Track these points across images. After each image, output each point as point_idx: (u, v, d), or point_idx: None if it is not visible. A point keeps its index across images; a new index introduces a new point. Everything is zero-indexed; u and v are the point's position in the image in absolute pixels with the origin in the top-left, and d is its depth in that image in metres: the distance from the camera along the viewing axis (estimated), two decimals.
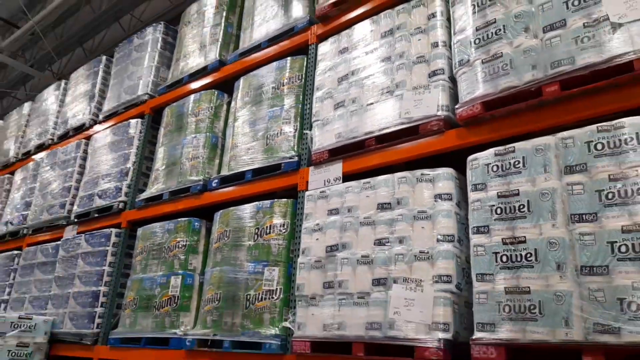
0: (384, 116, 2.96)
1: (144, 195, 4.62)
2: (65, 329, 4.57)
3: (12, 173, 7.10)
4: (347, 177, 3.09)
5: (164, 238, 4.13)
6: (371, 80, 3.14)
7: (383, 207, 2.70)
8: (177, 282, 3.82)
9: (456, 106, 2.65)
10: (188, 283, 3.81)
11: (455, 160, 2.64)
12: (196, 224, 4.03)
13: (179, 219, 4.10)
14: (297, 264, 3.03)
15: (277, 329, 2.95)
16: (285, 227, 3.31)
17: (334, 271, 2.80)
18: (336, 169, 3.18)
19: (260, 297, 3.15)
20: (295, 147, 3.55)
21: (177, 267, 3.92)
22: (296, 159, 3.46)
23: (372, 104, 3.06)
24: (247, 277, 3.29)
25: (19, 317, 4.52)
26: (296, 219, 3.29)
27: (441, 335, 2.24)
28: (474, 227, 2.32)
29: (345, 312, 2.62)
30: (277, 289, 3.12)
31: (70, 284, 4.77)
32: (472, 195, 2.39)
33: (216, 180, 3.98)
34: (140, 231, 4.46)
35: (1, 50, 8.66)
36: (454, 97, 2.77)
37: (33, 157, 6.78)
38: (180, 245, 3.98)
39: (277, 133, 3.70)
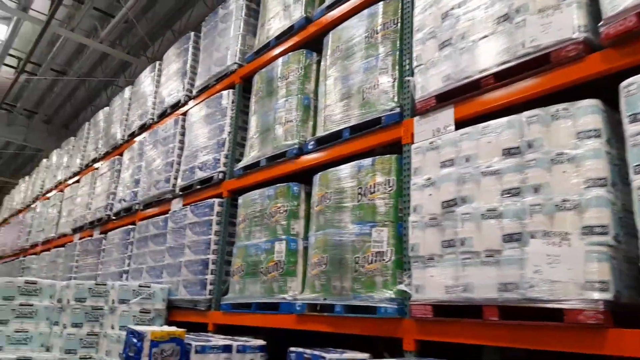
0: (503, 49, 2.54)
1: (241, 164, 4.63)
2: (180, 296, 4.81)
3: (121, 154, 7.62)
4: (459, 125, 2.75)
5: (264, 204, 4.10)
6: (482, 10, 2.72)
7: (510, 152, 2.34)
8: (282, 247, 3.77)
9: (599, 24, 2.17)
10: (292, 248, 3.75)
11: (594, 92, 2.19)
12: (295, 188, 3.93)
13: (278, 185, 4.03)
14: (409, 222, 2.78)
15: (391, 292, 2.76)
16: (390, 184, 3.07)
17: (453, 228, 2.51)
18: (446, 115, 2.84)
19: (369, 259, 2.97)
20: (396, 97, 3.25)
21: (279, 232, 3.87)
22: (397, 110, 3.17)
23: (485, 37, 2.65)
24: (353, 240, 3.12)
25: (139, 286, 4.83)
26: (402, 176, 3.02)
27: (598, 295, 1.88)
28: (636, 165, 1.89)
29: (471, 273, 2.34)
30: (387, 250, 2.91)
31: (181, 254, 4.99)
32: (630, 128, 1.95)
33: (312, 143, 3.83)
34: (241, 199, 4.49)
35: (101, 41, 9.24)
36: (594, 14, 2.28)
37: (137, 137, 7.19)
38: (281, 211, 3.92)
39: (374, 85, 3.42)
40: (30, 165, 15.56)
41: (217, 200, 4.77)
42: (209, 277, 4.50)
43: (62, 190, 10.07)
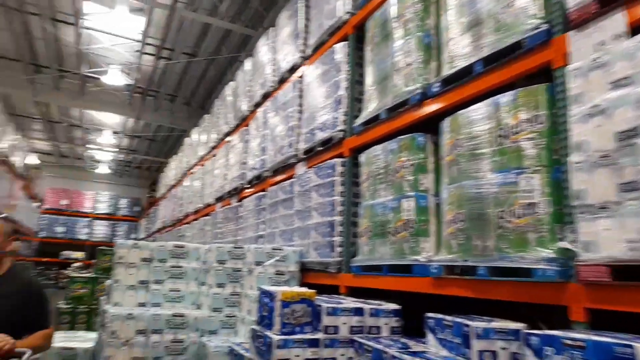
0: None
1: (359, 120, 4.34)
2: (311, 258, 4.80)
3: (248, 125, 7.89)
4: (634, 31, 2.07)
5: (387, 160, 3.78)
6: None
7: None
8: (410, 205, 3.44)
9: None
10: (422, 205, 3.39)
11: None
12: (420, 139, 3.53)
13: (401, 137, 3.66)
14: (570, 164, 2.22)
15: (550, 251, 2.26)
16: (539, 121, 2.50)
17: (634, 166, 1.91)
18: (614, 22, 2.17)
19: (517, 213, 2.48)
20: (539, 12, 2.61)
21: (406, 189, 3.52)
22: (544, 27, 2.54)
23: None
24: (495, 191, 2.65)
25: (272, 249, 4.94)
26: (556, 108, 2.43)
27: None
28: None
29: None
30: (540, 201, 2.39)
31: (309, 216, 4.96)
32: None
33: (437, 84, 3.36)
34: (362, 157, 4.23)
35: (222, 18, 9.60)
36: None
37: (260, 107, 7.34)
38: (406, 166, 3.56)
39: (508, 4, 2.81)
40: (178, 146, 17.35)
41: (338, 160, 4.58)
42: (337, 239, 4.39)
43: (203, 165, 10.97)
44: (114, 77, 12.99)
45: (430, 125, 3.52)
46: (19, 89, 13.88)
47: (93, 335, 6.23)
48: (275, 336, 2.83)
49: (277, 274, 4.85)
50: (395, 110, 3.81)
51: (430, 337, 2.64)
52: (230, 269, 5.10)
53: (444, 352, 2.46)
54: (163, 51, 10.86)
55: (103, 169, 24.83)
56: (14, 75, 13.44)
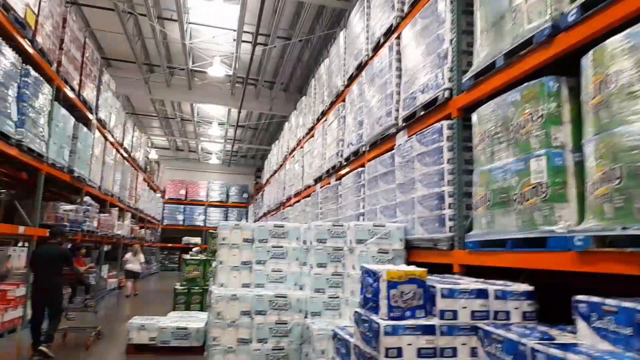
0: None
1: (469, 73, 3.73)
2: (418, 235, 4.32)
3: (344, 100, 7.54)
4: None
5: (508, 115, 3.15)
6: None
7: None
8: (540, 165, 2.80)
9: None
10: (556, 165, 2.73)
11: None
12: (551, 83, 2.84)
13: (525, 84, 3.01)
14: None
15: None
16: None
17: None
18: None
19: None
20: None
21: (535, 146, 2.88)
22: None
23: None
24: None
25: (374, 225, 4.55)
26: None
27: None
28: None
29: None
30: None
31: (413, 189, 4.47)
32: None
33: (574, 11, 2.65)
34: (475, 116, 3.62)
35: None
36: None
37: (355, 79, 6.94)
38: (533, 118, 2.91)
39: None
40: (278, 132, 17.70)
41: (445, 123, 4.02)
42: (447, 211, 3.85)
43: (302, 147, 10.92)
44: (217, 69, 13.50)
45: (563, 67, 2.83)
46: (136, 89, 15.11)
47: (205, 315, 6.43)
48: (382, 321, 2.45)
49: (380, 252, 4.45)
50: (515, 54, 3.15)
51: (582, 325, 2.05)
52: (330, 248, 4.83)
53: (606, 346, 1.87)
54: (259, 37, 10.94)
55: (213, 160, 26.45)
56: (131, 76, 14.64)
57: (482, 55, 3.61)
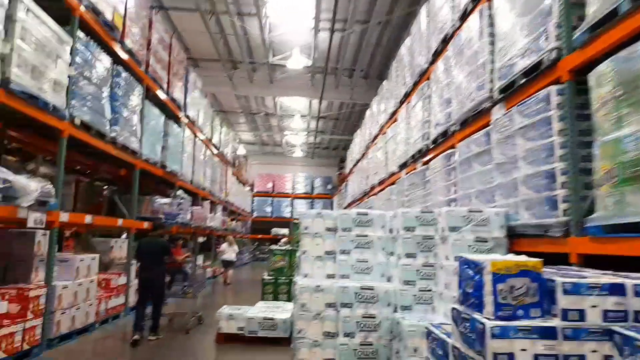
0: None
1: (584, 26, 3.11)
2: (523, 221, 3.77)
3: (428, 78, 7.02)
4: None
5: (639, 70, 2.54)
6: None
7: None
8: None
9: None
10: None
11: None
12: None
13: None
14: None
15: None
16: None
17: None
18: None
19: None
20: None
21: None
22: None
23: None
24: None
25: (469, 211, 4.07)
26: None
27: None
28: None
29: None
30: None
31: (515, 169, 3.92)
32: None
33: None
34: (591, 77, 3.02)
35: None
36: None
37: (440, 55, 6.39)
38: None
39: None
40: (359, 120, 17.37)
41: (553, 88, 3.42)
42: (560, 192, 3.28)
43: (384, 133, 10.50)
44: (296, 61, 13.49)
45: None
46: (222, 86, 15.65)
47: (292, 305, 6.37)
48: (488, 321, 2.05)
49: (477, 240, 3.97)
50: None
51: None
52: (419, 237, 4.43)
53: None
54: (336, 24, 10.69)
55: (297, 153, 26.84)
56: (216, 74, 15.18)
57: (598, 3, 2.99)
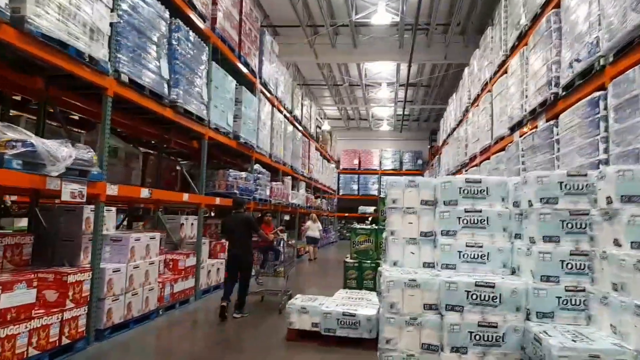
0: None
1: None
2: None
3: (557, 6, 5.30)
4: None
5: None
6: None
7: None
8: None
9: None
10: None
11: None
12: None
13: None
14: None
15: None
16: None
17: None
18: None
19: None
20: None
21: None
22: None
23: None
24: None
25: None
26: None
27: None
28: None
29: None
30: None
31: None
32: None
33: None
34: None
35: None
36: None
37: None
38: None
39: None
40: (454, 87, 15.44)
41: None
42: None
43: (490, 91, 8.76)
44: (382, 16, 12.03)
45: None
46: (303, 55, 14.64)
47: (377, 297, 5.22)
48: None
49: None
50: None
51: None
52: (565, 213, 3.01)
53: None
54: None
55: (384, 127, 25.30)
56: (296, 42, 14.21)
57: None
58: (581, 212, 2.98)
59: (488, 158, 8.70)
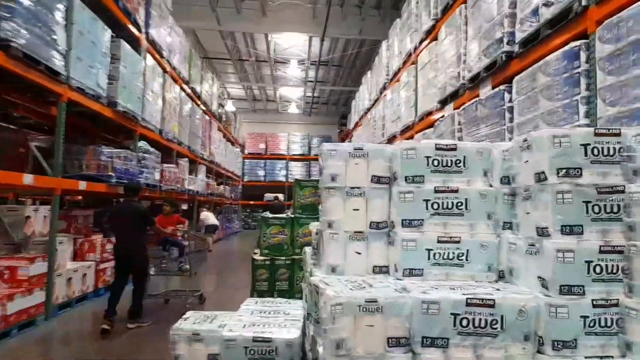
0: None
1: None
2: None
3: None
4: None
5: None
6: None
7: None
8: None
9: None
10: None
11: None
12: None
13: None
14: None
15: None
16: None
17: None
18: None
19: None
20: None
21: None
22: None
23: None
24: None
25: None
26: None
27: None
28: None
29: None
30: None
31: None
32: None
33: None
34: None
35: None
36: None
37: None
38: None
39: None
40: (367, 67, 14.71)
41: None
42: None
43: (414, 63, 7.92)
44: None
45: None
46: (204, 20, 12.80)
47: (298, 306, 4.00)
48: None
49: None
50: None
51: None
52: (590, 189, 2.02)
53: None
54: None
55: (293, 109, 24.13)
56: (197, 3, 12.35)
57: None
58: (614, 188, 2.03)
59: (411, 137, 7.91)
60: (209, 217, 12.47)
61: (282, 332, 3.15)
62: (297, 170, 23.67)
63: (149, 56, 7.92)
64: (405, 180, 2.48)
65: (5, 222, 4.84)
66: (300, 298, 4.98)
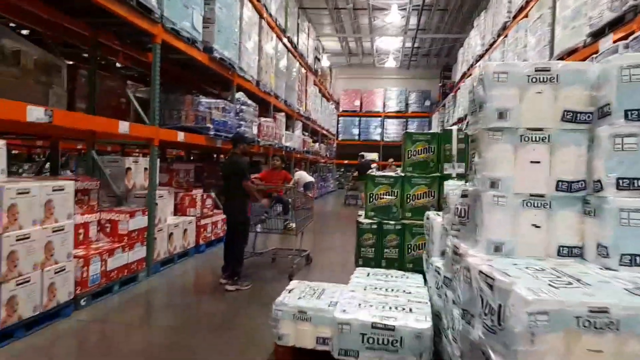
0: None
1: None
2: None
3: None
4: None
5: None
6: None
7: None
8: None
9: None
10: None
11: None
12: None
13: None
14: None
15: None
16: None
17: None
18: None
19: None
20: None
21: None
22: None
23: None
24: None
25: None
26: None
27: None
28: None
29: None
30: None
31: None
32: None
33: None
34: None
35: None
36: None
37: None
38: None
39: None
40: (480, 7, 12.97)
41: None
42: None
43: None
44: None
45: None
46: None
47: (418, 281, 3.30)
48: None
49: None
50: None
51: None
52: None
53: None
54: None
55: (390, 63, 22.71)
56: None
57: None
58: None
59: None
60: (302, 175, 12.18)
61: (407, 318, 2.49)
62: (392, 129, 22.55)
63: (246, 1, 7.39)
64: (626, 116, 1.59)
65: (107, 173, 4.71)
66: (413, 269, 4.30)
